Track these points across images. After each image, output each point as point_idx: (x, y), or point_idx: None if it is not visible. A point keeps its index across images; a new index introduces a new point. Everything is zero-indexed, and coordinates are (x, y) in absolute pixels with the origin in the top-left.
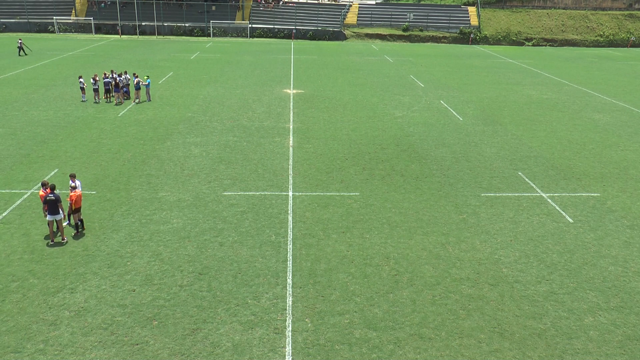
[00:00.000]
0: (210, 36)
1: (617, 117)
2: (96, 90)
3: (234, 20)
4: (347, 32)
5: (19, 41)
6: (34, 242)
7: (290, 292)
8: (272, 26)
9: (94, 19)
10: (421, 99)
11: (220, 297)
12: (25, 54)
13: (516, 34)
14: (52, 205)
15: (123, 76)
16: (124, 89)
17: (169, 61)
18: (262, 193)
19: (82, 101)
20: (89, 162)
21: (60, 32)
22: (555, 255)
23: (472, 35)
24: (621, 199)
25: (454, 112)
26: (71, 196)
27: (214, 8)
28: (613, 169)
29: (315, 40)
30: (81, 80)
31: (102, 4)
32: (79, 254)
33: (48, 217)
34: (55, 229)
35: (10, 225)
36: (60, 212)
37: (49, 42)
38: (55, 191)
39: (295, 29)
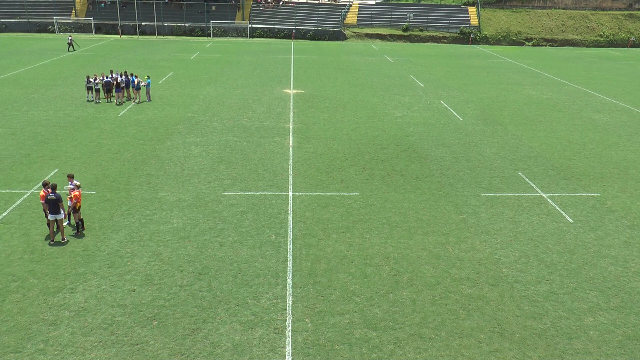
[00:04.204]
0: (210, 36)
1: (617, 117)
2: (97, 91)
3: (234, 20)
4: (347, 32)
5: (69, 38)
6: (34, 242)
7: (290, 292)
8: (272, 26)
9: (94, 19)
10: (421, 99)
11: (220, 297)
12: (74, 50)
13: (516, 34)
14: (53, 205)
15: (124, 76)
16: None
17: (169, 61)
18: (262, 193)
19: (88, 100)
20: (89, 162)
21: (60, 32)
22: (555, 255)
23: (472, 35)
24: (621, 199)
25: (454, 112)
26: (76, 195)
27: (214, 8)
28: (613, 169)
29: (315, 40)
30: (89, 80)
31: (102, 4)
32: (79, 254)
33: (49, 217)
34: (55, 229)
35: (10, 225)
36: (62, 211)
37: (49, 42)
38: (56, 191)
39: (295, 29)
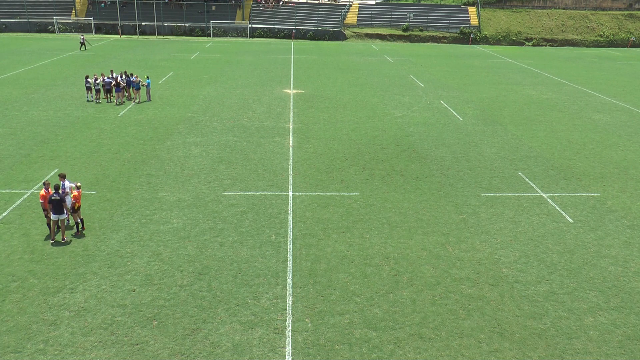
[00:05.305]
0: (210, 36)
1: (617, 117)
2: (97, 91)
3: (234, 20)
4: (347, 32)
5: (82, 37)
6: (34, 242)
7: (290, 292)
8: (272, 26)
9: (94, 19)
10: (421, 99)
11: (220, 297)
12: (86, 49)
13: (516, 34)
14: (56, 205)
15: (124, 76)
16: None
17: (169, 61)
18: (262, 193)
19: (88, 100)
20: (89, 162)
21: (60, 32)
22: (555, 255)
23: (472, 35)
24: (621, 199)
25: (454, 112)
26: (75, 195)
27: (214, 8)
28: (613, 169)
29: (315, 40)
30: (88, 80)
31: (102, 4)
32: (79, 254)
33: (52, 217)
34: (56, 229)
35: (10, 225)
36: (65, 211)
37: (49, 42)
38: (59, 191)
39: (295, 29)
